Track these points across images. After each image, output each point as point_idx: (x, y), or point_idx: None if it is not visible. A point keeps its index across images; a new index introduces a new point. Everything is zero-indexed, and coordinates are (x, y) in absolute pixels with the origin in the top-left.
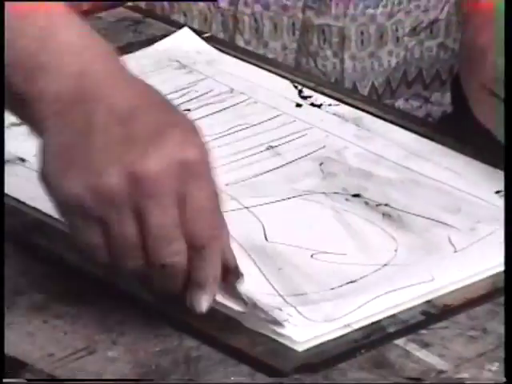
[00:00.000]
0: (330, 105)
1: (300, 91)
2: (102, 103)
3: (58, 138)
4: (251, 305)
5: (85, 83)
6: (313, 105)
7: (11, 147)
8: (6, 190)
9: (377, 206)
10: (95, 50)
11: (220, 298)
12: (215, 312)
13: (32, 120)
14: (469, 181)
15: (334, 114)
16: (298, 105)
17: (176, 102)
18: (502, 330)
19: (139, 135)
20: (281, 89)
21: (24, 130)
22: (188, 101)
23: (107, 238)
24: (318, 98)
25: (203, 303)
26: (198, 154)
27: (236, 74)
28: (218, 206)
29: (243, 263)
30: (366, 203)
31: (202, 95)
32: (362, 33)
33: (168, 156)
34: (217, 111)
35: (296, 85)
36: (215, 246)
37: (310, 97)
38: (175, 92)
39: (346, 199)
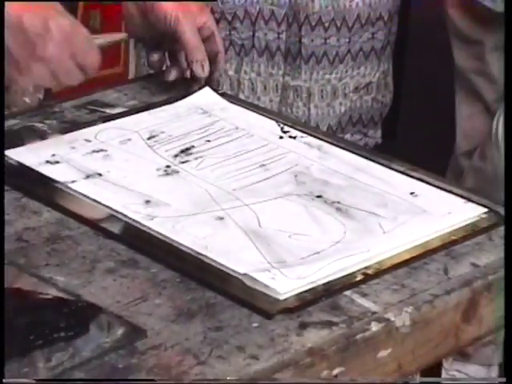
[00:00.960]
0: (301, 137)
1: (282, 128)
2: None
3: None
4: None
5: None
6: (290, 137)
7: (91, 166)
8: (89, 193)
9: (332, 203)
10: None
11: None
12: (226, 275)
13: None
14: (392, 186)
15: (304, 143)
16: (281, 137)
17: (200, 136)
18: (415, 285)
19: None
20: (269, 126)
21: (100, 154)
22: (208, 135)
23: None
24: (294, 133)
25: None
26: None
27: (239, 117)
28: None
29: (244, 243)
30: (325, 201)
31: (217, 131)
32: (321, 90)
33: None
34: (227, 141)
35: (279, 124)
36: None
37: (288, 131)
38: (200, 128)
39: (312, 199)
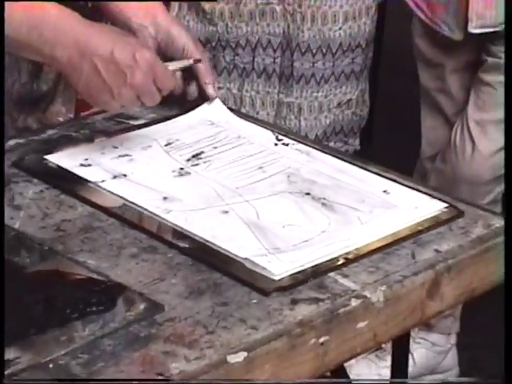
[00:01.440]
0: (293, 144)
1: (277, 137)
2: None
3: (77, 79)
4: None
5: (81, 46)
6: (283, 144)
7: (118, 168)
8: (116, 191)
9: (318, 199)
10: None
11: None
12: (230, 259)
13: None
14: (369, 185)
15: (295, 149)
16: (276, 144)
17: (209, 143)
18: (388, 267)
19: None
20: (266, 135)
21: (126, 158)
22: (215, 142)
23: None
24: (287, 141)
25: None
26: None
27: (241, 127)
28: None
29: (245, 232)
30: (313, 198)
31: (223, 139)
32: (310, 106)
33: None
34: (231, 148)
35: (274, 133)
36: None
37: (282, 140)
38: (209, 137)
39: (302, 196)
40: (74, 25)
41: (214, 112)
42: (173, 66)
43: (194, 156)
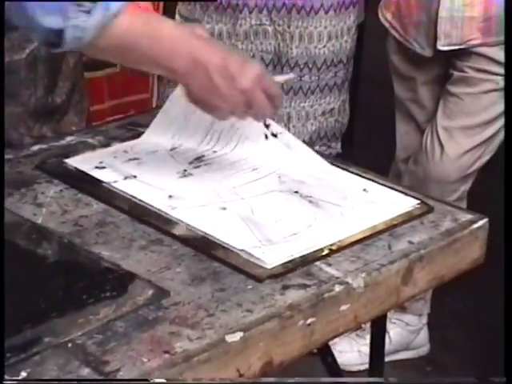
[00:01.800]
0: (281, 133)
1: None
2: (209, 65)
3: (192, 86)
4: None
5: (195, 56)
6: (273, 134)
7: (129, 170)
8: (127, 190)
9: (306, 197)
10: (188, 37)
11: None
12: (228, 250)
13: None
14: (350, 184)
15: (284, 144)
16: (266, 136)
17: (208, 148)
18: (367, 257)
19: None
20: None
21: (135, 161)
22: (215, 145)
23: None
24: (276, 130)
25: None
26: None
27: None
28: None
29: (241, 227)
30: (301, 196)
31: (221, 141)
32: (298, 114)
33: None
34: (229, 151)
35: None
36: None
37: (272, 132)
38: (208, 142)
39: (291, 194)
40: (187, 37)
41: None
42: (278, 78)
43: (196, 159)
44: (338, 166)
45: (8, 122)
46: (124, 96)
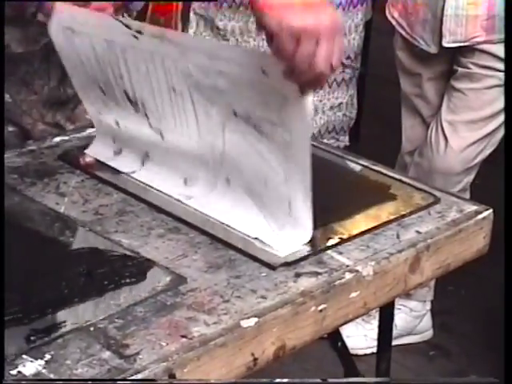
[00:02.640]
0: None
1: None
2: None
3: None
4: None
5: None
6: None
7: (126, 168)
8: (146, 181)
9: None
10: None
11: None
12: (243, 239)
13: None
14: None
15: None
16: (135, 37)
17: None
18: (376, 246)
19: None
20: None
21: (130, 158)
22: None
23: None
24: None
25: None
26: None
27: None
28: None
29: (254, 210)
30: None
31: None
32: None
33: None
34: None
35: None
36: None
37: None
38: None
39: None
40: None
41: None
42: None
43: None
44: (348, 159)
45: (20, 108)
46: None
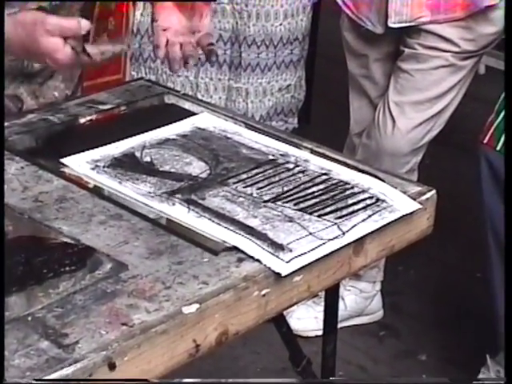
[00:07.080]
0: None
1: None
2: None
3: None
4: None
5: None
6: None
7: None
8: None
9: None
10: None
11: None
12: (189, 227)
13: None
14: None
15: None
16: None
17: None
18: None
19: None
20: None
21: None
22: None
23: None
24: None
25: None
26: None
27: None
28: None
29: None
30: None
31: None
32: (256, 91)
33: None
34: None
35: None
36: None
37: None
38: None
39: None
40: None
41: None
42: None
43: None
44: (291, 143)
45: None
46: (97, 77)
